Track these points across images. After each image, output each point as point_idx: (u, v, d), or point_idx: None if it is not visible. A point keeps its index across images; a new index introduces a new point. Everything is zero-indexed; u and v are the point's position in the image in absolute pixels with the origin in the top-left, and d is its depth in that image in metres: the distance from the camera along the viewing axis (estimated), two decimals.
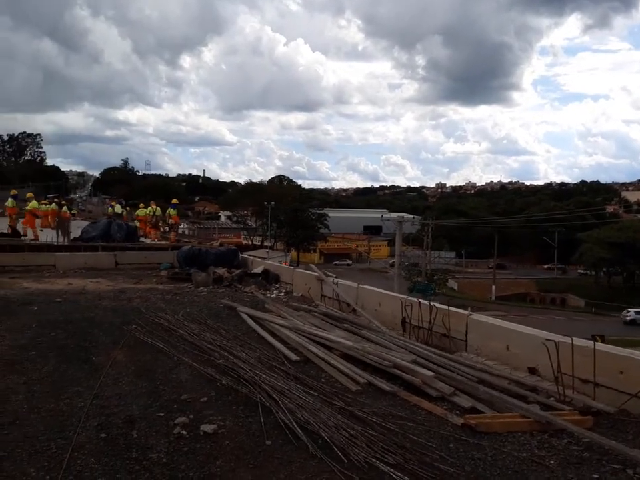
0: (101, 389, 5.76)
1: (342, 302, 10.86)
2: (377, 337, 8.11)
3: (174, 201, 27.17)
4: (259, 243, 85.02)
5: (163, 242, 23.02)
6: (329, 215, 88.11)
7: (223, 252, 16.18)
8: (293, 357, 7.25)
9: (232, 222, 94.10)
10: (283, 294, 13.00)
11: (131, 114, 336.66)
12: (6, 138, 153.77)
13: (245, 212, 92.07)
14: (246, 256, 17.30)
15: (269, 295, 12.82)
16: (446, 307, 8.33)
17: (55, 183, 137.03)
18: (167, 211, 26.22)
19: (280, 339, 8.26)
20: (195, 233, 77.60)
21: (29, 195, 22.17)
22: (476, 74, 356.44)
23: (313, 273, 12.24)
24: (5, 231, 21.43)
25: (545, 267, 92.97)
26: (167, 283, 14.45)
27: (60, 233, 22.20)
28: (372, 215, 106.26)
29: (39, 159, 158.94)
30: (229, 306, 10.88)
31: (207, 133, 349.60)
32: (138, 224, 29.02)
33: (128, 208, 35.99)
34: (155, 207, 27.01)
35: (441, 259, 74.97)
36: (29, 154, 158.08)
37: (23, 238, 20.71)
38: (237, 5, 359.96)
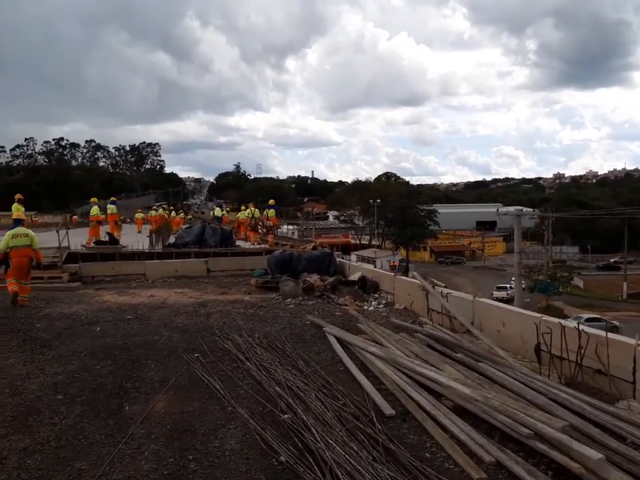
0: (110, 467, 4.14)
1: (453, 318, 8.74)
2: (503, 374, 5.96)
3: (271, 202, 25.84)
4: (367, 242, 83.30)
5: (260, 246, 21.73)
6: (439, 210, 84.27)
7: (316, 256, 14.46)
8: (387, 409, 5.28)
9: (339, 221, 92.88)
10: (382, 306, 11.05)
11: (242, 120, 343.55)
12: (128, 148, 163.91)
13: (352, 211, 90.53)
14: (342, 260, 15.48)
15: (365, 307, 10.93)
16: (602, 334, 6.01)
17: (173, 189, 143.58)
18: (265, 212, 25.00)
19: (372, 377, 6.34)
20: (305, 233, 77.10)
21: (92, 200, 21.61)
22: (592, 56, 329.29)
23: (416, 281, 10.16)
24: (102, 239, 21.06)
25: (612, 260, 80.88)
26: (255, 293, 12.96)
27: (156, 239, 21.58)
28: (485, 210, 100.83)
29: (158, 167, 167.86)
30: (316, 324, 9.09)
31: (314, 134, 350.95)
32: (239, 227, 28.25)
33: (228, 209, 35.48)
34: (253, 208, 25.95)
35: (563, 255, 69.32)
36: (149, 162, 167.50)
37: (119, 246, 20.14)
38: (338, 5, 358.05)
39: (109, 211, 23.19)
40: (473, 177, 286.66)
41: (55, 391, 5.89)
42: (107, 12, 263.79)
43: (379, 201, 74.92)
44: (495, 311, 8.21)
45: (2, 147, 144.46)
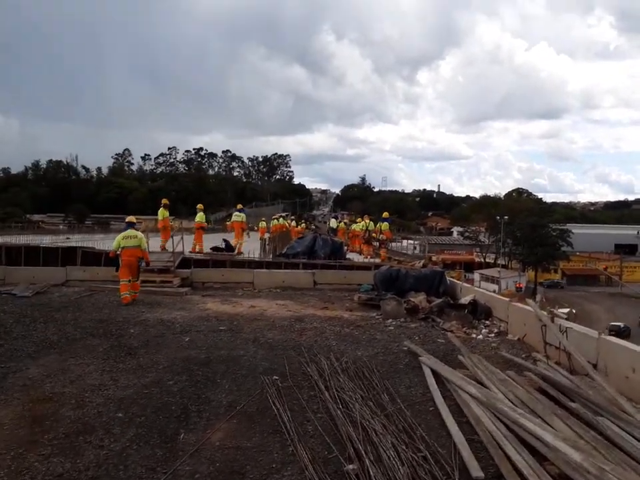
0: None
1: (574, 356, 7.51)
2: (627, 434, 4.85)
3: (385, 214, 25.02)
4: (492, 261, 79.72)
5: (370, 260, 21.00)
6: (573, 230, 78.62)
7: (425, 275, 13.48)
8: (475, 469, 4.38)
9: (463, 237, 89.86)
10: (493, 335, 9.92)
11: (370, 132, 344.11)
12: (260, 159, 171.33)
13: (477, 227, 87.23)
14: (454, 281, 14.36)
15: (474, 335, 9.87)
16: None
17: (300, 199, 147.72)
18: (378, 225, 24.25)
19: (466, 423, 5.43)
20: (425, 249, 75.32)
21: (198, 206, 21.68)
22: None
23: (532, 310, 8.95)
24: (220, 245, 21.41)
25: None
26: (356, 310, 12.31)
27: (268, 247, 21.70)
28: (625, 232, 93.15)
29: (287, 177, 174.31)
30: (413, 352, 8.25)
31: (443, 148, 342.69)
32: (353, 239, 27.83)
33: (347, 221, 35.07)
34: (367, 221, 25.28)
35: None
36: (279, 173, 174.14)
37: (233, 254, 20.33)
38: (475, 15, 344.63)
39: (238, 219, 23.27)
40: (613, 196, 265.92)
41: (118, 407, 5.59)
42: (248, 28, 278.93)
43: (506, 217, 71.41)
44: (623, 353, 6.91)
45: (148, 155, 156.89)
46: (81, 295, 13.37)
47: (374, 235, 24.33)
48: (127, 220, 13.80)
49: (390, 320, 10.85)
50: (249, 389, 6.30)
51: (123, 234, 13.02)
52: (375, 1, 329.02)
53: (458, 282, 14.13)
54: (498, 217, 72.95)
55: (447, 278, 13.78)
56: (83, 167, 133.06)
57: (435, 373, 7.03)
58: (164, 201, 20.19)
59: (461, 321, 10.69)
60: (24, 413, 5.35)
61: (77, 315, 10.66)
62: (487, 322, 10.81)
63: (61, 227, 63.54)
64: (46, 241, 22.69)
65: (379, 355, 8.21)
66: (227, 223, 29.14)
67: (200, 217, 20.80)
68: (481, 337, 9.82)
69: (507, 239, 75.27)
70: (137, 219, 15.22)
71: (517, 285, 62.60)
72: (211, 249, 20.90)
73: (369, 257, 23.17)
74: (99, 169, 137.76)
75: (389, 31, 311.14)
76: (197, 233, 20.77)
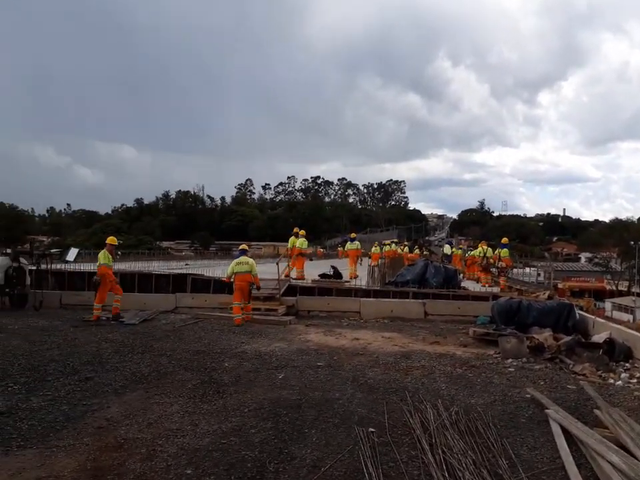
0: None
1: None
2: None
3: (504, 240, 23.23)
4: (626, 289, 73.20)
5: (488, 289, 19.44)
6: None
7: (550, 308, 11.95)
8: None
9: (592, 264, 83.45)
10: (635, 381, 8.36)
11: (489, 156, 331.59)
12: (375, 186, 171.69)
13: (608, 253, 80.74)
14: (585, 315, 12.63)
15: (611, 381, 8.37)
16: None
17: (416, 225, 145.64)
18: (497, 251, 22.55)
19: None
20: (550, 276, 70.58)
21: (300, 232, 21.24)
22: None
23: None
24: (328, 272, 20.85)
25: None
26: (470, 346, 11.10)
27: (377, 275, 20.81)
28: None
29: (402, 203, 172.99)
30: (537, 401, 7.00)
31: (567, 170, 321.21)
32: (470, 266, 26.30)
33: (462, 247, 33.45)
34: (485, 247, 23.63)
35: None
36: (394, 199, 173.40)
37: (341, 280, 19.70)
38: (600, 34, 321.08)
39: (353, 247, 23.50)
40: None
41: (189, 460, 4.91)
42: (363, 59, 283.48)
43: None
44: None
45: (268, 184, 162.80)
46: (186, 322, 13.27)
47: (492, 261, 22.70)
48: (239, 247, 14.94)
49: (510, 360, 9.56)
50: (340, 443, 5.44)
51: (236, 260, 13.98)
52: (491, 25, 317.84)
53: (590, 316, 12.40)
54: (632, 242, 66.90)
55: (577, 311, 12.13)
56: (209, 197, 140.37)
57: (566, 431, 5.79)
58: (295, 229, 21.43)
59: (594, 363, 9.17)
60: (87, 464, 4.83)
61: (175, 345, 10.39)
62: (627, 365, 9.20)
63: (184, 252, 66.34)
64: (163, 266, 23.37)
65: (496, 403, 7.05)
66: (339, 249, 28.92)
67: (301, 242, 20.52)
68: (620, 383, 8.30)
69: None
70: (252, 245, 15.79)
71: None
72: (319, 275, 20.38)
73: (486, 285, 21.61)
74: (222, 198, 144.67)
75: (507, 55, 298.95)
76: (298, 260, 20.56)
